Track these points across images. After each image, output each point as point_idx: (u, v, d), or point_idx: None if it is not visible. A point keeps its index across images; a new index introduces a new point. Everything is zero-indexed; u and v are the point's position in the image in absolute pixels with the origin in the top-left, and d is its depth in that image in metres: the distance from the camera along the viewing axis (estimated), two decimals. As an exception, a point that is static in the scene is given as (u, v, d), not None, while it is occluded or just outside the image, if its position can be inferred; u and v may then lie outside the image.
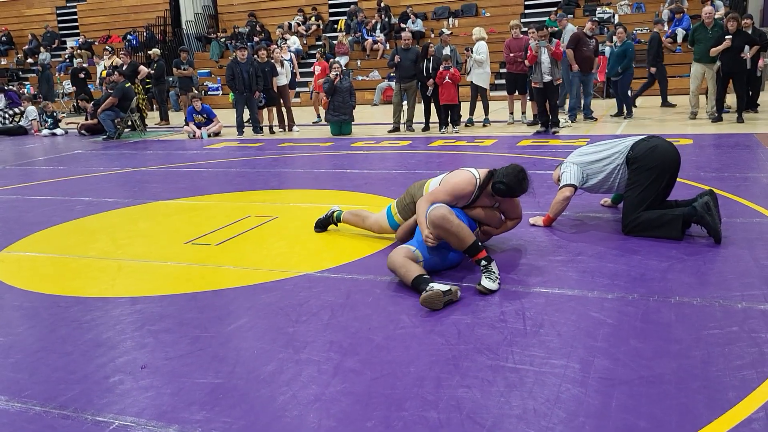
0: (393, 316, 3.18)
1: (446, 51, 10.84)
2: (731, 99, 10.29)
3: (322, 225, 4.86)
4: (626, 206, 4.35)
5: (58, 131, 13.97)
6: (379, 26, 18.90)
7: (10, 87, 17.49)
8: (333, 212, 4.82)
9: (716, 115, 9.78)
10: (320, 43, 19.37)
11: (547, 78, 9.48)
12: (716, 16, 10.77)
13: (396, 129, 10.92)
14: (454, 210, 3.75)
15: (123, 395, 2.55)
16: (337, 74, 10.72)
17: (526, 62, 9.85)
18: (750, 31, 10.00)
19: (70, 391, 2.60)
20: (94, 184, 7.55)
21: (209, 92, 18.88)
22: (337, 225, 4.82)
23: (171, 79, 16.08)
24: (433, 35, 17.91)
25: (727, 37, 9.34)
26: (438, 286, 3.26)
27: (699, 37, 9.82)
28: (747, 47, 9.41)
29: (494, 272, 3.44)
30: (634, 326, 2.92)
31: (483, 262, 3.46)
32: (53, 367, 2.83)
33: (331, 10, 21.05)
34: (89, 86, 16.44)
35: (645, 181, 4.25)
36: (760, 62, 10.41)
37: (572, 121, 10.61)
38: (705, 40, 9.70)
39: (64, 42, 23.72)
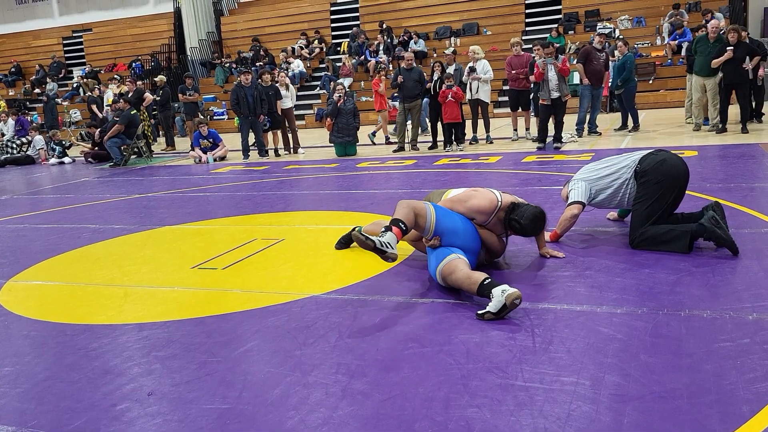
0: (401, 337, 3.15)
1: (450, 70, 10.89)
2: (734, 110, 10.28)
3: (345, 242, 4.86)
4: (633, 220, 4.33)
5: (66, 159, 14.09)
6: (381, 47, 19.03)
7: (24, 112, 17.70)
8: (353, 230, 4.80)
9: (720, 126, 9.77)
10: (324, 65, 19.52)
11: (555, 94, 9.50)
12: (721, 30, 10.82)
13: (401, 149, 10.94)
14: (464, 223, 3.81)
15: (130, 423, 2.54)
16: (340, 96, 10.80)
17: (532, 78, 9.89)
18: (747, 42, 10.03)
19: (77, 420, 2.59)
20: (101, 211, 7.58)
21: (215, 117, 19.02)
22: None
23: (177, 105, 16.21)
24: (435, 55, 18.03)
25: (728, 48, 9.36)
26: (509, 289, 3.24)
27: (700, 50, 9.86)
28: (748, 58, 9.42)
29: (389, 243, 3.46)
30: (644, 341, 2.89)
31: (382, 231, 3.51)
32: (60, 396, 2.82)
33: (333, 33, 21.23)
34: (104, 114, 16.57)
35: (652, 195, 4.23)
36: (761, 72, 10.42)
37: (579, 136, 10.60)
38: (705, 53, 9.72)
39: (71, 71, 24.00)
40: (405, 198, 4.66)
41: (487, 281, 3.38)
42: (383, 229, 3.56)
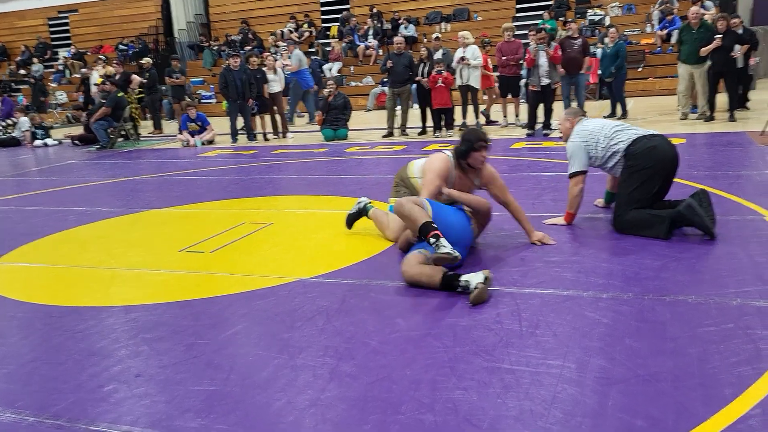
0: (388, 320, 3.17)
1: (438, 55, 10.85)
2: (722, 98, 10.33)
3: (351, 221, 4.87)
4: (618, 204, 4.39)
5: (49, 141, 13.93)
6: (371, 32, 18.93)
7: (9, 94, 17.46)
8: (363, 205, 4.80)
9: (708, 114, 9.81)
10: (313, 49, 19.39)
11: (545, 81, 9.49)
12: (707, 17, 10.82)
13: (390, 134, 10.92)
14: (450, 207, 3.87)
15: (117, 404, 2.54)
16: (330, 92, 10.90)
17: (524, 64, 9.85)
18: (740, 31, 10.05)
19: (63, 401, 2.58)
20: (87, 193, 7.52)
21: (202, 100, 18.87)
22: (368, 216, 4.80)
23: (164, 87, 16.06)
24: (426, 40, 17.95)
25: (716, 36, 9.38)
26: (474, 278, 3.31)
27: (685, 38, 9.84)
28: (737, 46, 9.44)
29: (444, 246, 3.45)
30: (630, 325, 2.92)
31: (431, 240, 3.49)
32: (46, 377, 2.81)
33: (323, 17, 21.07)
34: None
35: (637, 180, 4.26)
36: (752, 61, 10.45)
37: None
38: (691, 41, 9.72)
39: (56, 53, 23.69)
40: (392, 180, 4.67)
41: (449, 273, 3.46)
42: (432, 239, 3.49)
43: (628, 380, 2.44)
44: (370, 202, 4.83)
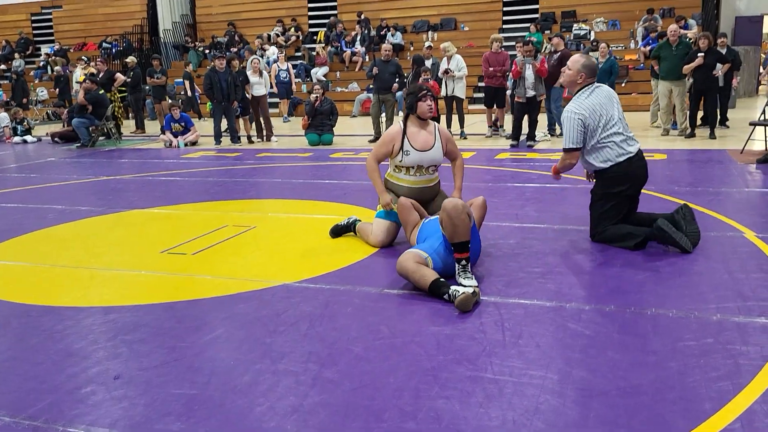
0: (372, 327, 3.16)
1: (427, 64, 10.90)
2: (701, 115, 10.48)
3: (337, 232, 4.86)
4: (593, 218, 4.47)
5: (29, 138, 13.73)
6: (358, 38, 18.95)
7: None
8: (353, 222, 4.83)
9: (689, 131, 9.95)
10: (299, 54, 19.37)
11: (531, 93, 9.56)
12: (689, 36, 10.98)
13: (377, 139, 10.93)
14: (432, 238, 3.86)
15: (95, 406, 2.50)
16: (317, 97, 10.88)
17: (510, 75, 9.92)
18: (724, 50, 10.22)
19: (40, 402, 2.54)
20: (67, 192, 7.42)
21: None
22: (355, 233, 4.83)
23: (147, 87, 15.95)
24: (412, 48, 18.02)
25: (699, 54, 9.52)
26: (464, 288, 3.33)
27: (664, 55, 9.97)
28: (719, 65, 9.60)
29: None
30: (612, 337, 2.94)
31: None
32: (24, 377, 2.76)
33: (310, 22, 21.07)
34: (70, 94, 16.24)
35: (611, 201, 4.35)
36: (734, 81, 10.62)
37: (552, 135, 10.67)
38: (670, 58, 9.86)
39: (39, 49, 23.40)
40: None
41: (442, 280, 3.48)
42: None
43: (610, 392, 2.46)
44: (360, 221, 4.84)
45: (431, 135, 4.54)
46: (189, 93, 15.94)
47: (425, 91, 4.46)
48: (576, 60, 4.39)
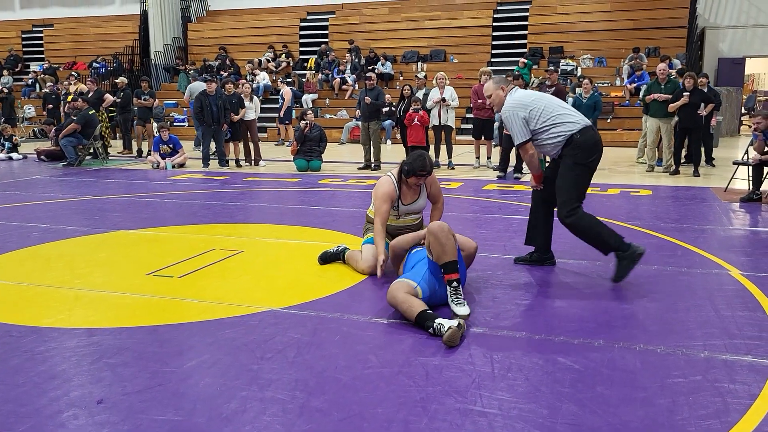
0: (360, 356, 3.13)
1: (419, 94, 11.01)
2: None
3: (325, 259, 4.84)
4: (560, 195, 4.37)
5: (14, 155, 13.61)
6: (349, 66, 19.11)
7: None
8: (342, 250, 4.83)
9: (673, 168, 10.10)
10: (290, 80, 19.48)
11: None
12: (672, 74, 11.21)
13: (367, 167, 11.02)
14: (420, 265, 3.88)
15: (76, 431, 2.44)
16: (307, 124, 10.96)
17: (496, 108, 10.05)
18: (706, 90, 10.43)
19: (20, 425, 2.48)
20: (52, 210, 7.35)
21: (175, 123, 18.73)
22: (344, 261, 4.84)
23: (135, 108, 15.92)
24: (401, 78, 18.19)
25: (684, 93, 9.72)
26: (450, 322, 3.29)
27: (654, 92, 10.21)
28: (703, 104, 9.80)
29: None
30: (601, 372, 2.94)
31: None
32: (3, 400, 2.70)
33: (302, 48, 21.23)
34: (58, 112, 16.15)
35: (581, 173, 4.33)
36: (713, 121, 10.85)
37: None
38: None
39: (28, 66, 23.35)
40: (365, 218, 4.66)
41: (428, 312, 3.46)
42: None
43: (599, 428, 2.44)
44: (348, 249, 4.84)
45: (418, 187, 4.64)
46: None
47: (423, 172, 4.45)
48: (487, 87, 4.70)
